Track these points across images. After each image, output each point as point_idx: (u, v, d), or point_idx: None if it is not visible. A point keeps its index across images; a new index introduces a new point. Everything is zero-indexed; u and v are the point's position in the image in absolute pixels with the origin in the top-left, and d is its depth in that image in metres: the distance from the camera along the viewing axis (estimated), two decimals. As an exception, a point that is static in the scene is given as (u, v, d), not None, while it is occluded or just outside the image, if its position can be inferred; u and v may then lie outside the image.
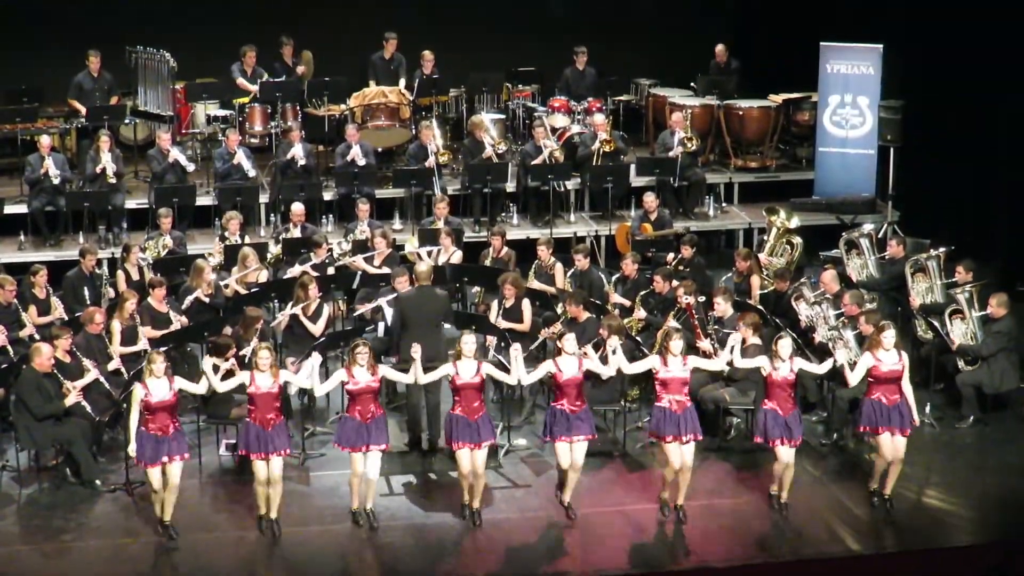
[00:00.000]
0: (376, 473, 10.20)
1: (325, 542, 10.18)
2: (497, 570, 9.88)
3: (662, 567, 9.91)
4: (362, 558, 10.06)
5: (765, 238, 14.80)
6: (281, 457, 10.06)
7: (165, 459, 9.86)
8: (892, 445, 10.25)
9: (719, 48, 17.75)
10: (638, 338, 12.00)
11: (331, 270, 13.41)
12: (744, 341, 10.91)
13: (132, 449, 9.98)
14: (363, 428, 10.05)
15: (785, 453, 10.19)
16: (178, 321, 12.16)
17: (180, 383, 10.06)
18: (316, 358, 10.40)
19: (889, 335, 10.25)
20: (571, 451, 10.18)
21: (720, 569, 9.84)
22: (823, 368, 10.66)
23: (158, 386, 9.89)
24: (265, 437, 9.95)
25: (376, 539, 10.14)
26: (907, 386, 10.34)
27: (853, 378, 10.38)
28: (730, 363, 10.56)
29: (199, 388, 10.29)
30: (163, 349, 10.71)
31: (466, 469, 10.16)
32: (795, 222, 14.56)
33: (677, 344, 10.15)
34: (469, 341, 10.20)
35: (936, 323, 12.34)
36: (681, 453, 10.14)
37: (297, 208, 14.33)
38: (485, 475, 10.39)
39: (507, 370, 10.56)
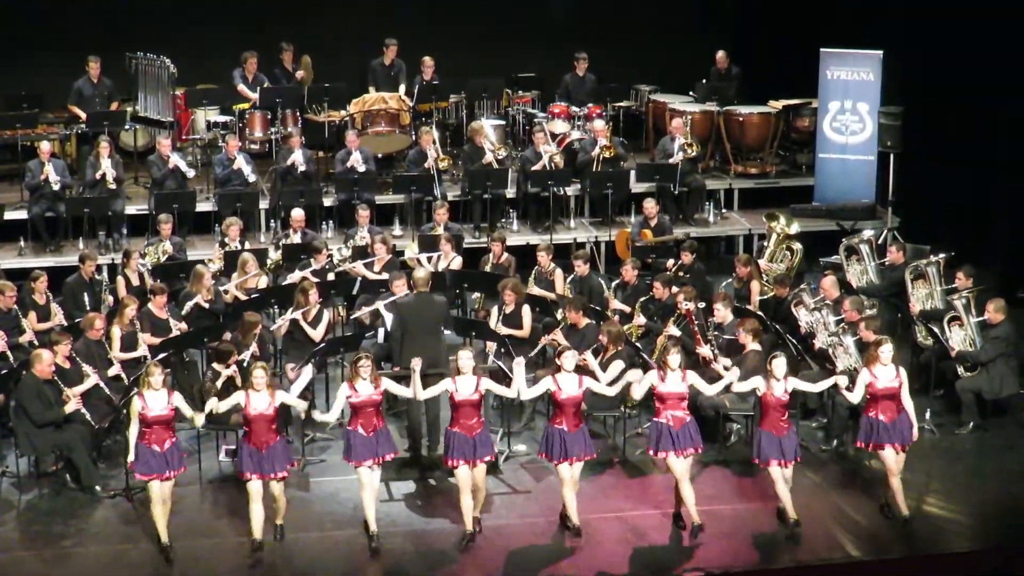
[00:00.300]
0: (377, 483, 10.20)
1: (325, 548, 10.17)
2: (497, 576, 9.92)
3: (661, 573, 9.92)
4: (362, 564, 10.05)
5: (765, 244, 14.81)
6: (279, 481, 10.03)
7: (164, 473, 9.86)
8: (896, 458, 10.25)
9: (720, 55, 17.76)
10: (638, 344, 11.99)
11: (331, 276, 13.42)
12: (744, 348, 10.91)
13: (131, 459, 10.00)
14: (369, 441, 10.03)
15: (780, 473, 10.16)
16: (177, 329, 12.16)
17: (177, 401, 10.03)
18: (309, 371, 10.40)
19: (886, 350, 10.22)
20: (570, 468, 10.20)
21: (718, 575, 9.85)
22: (819, 387, 10.63)
23: (155, 399, 9.87)
24: (260, 458, 9.89)
25: (376, 545, 10.13)
26: (907, 400, 10.31)
27: (854, 397, 10.36)
28: (728, 387, 10.52)
29: (190, 413, 10.17)
30: (161, 357, 10.73)
31: (465, 485, 10.13)
32: (795, 228, 14.57)
33: (675, 359, 10.11)
34: (466, 357, 10.16)
35: (936, 329, 12.34)
36: (677, 466, 10.13)
37: (297, 214, 14.34)
38: (486, 486, 10.39)
39: (507, 378, 10.55)
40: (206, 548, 10.15)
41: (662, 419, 10.11)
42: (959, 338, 12.17)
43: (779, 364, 10.11)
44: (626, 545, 10.21)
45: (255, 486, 9.89)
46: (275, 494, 10.01)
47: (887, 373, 10.22)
